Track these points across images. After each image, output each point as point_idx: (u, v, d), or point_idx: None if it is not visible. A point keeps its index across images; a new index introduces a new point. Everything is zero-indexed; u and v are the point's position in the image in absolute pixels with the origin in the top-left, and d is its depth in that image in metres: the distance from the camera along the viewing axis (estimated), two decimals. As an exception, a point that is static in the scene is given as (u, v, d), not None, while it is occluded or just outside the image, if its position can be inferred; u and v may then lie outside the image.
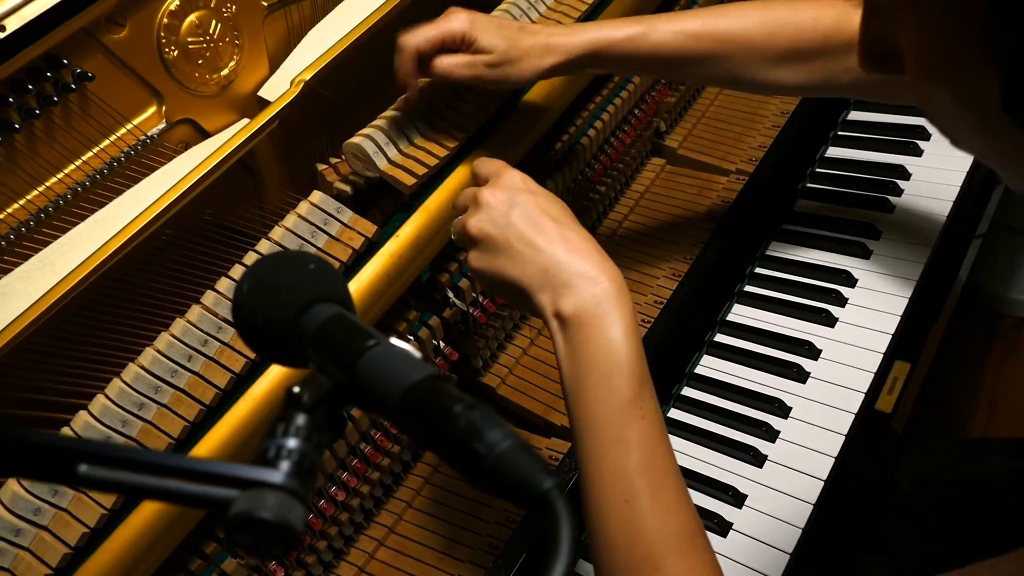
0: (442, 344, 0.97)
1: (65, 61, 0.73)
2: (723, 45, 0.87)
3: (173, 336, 0.77)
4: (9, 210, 0.74)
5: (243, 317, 0.44)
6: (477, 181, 0.78)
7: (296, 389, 0.39)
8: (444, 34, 0.83)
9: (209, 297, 0.79)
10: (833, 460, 0.90)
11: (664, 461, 0.65)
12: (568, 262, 0.67)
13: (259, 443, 0.38)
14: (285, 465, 0.35)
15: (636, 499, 0.63)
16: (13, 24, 0.67)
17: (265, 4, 0.89)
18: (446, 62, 0.84)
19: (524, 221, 0.69)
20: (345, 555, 0.92)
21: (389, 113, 0.92)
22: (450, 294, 0.97)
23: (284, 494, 0.34)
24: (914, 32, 0.45)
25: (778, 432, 0.94)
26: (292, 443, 0.36)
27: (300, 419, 0.37)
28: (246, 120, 0.86)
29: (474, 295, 0.98)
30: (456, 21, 0.84)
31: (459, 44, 0.84)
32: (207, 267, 0.83)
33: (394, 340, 0.40)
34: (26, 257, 0.73)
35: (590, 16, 1.06)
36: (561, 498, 0.33)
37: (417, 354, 0.40)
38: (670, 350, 1.02)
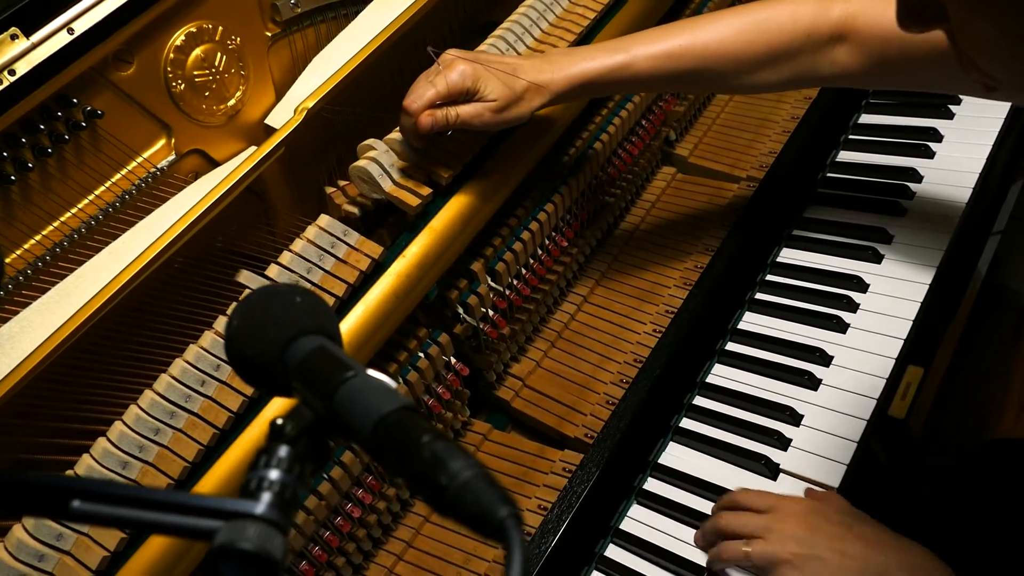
0: (453, 360, 0.98)
1: (75, 100, 0.76)
2: (704, 61, 0.89)
3: (187, 362, 0.79)
4: (26, 245, 0.77)
5: (233, 351, 0.46)
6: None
7: (279, 421, 0.40)
8: (452, 91, 0.85)
9: (221, 322, 0.81)
10: (846, 467, 0.89)
11: None
12: None
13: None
14: (266, 496, 0.37)
15: None
16: (22, 68, 0.69)
17: (269, 35, 0.91)
18: (463, 113, 0.86)
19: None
20: (365, 570, 0.94)
21: (394, 135, 0.93)
22: (460, 310, 0.98)
23: (264, 525, 0.36)
24: None
25: (790, 440, 0.94)
26: (274, 474, 0.38)
27: (282, 451, 0.39)
28: (254, 148, 0.88)
29: (483, 310, 1.00)
30: (461, 76, 0.85)
31: (464, 97, 0.86)
32: (220, 292, 0.85)
33: (371, 372, 0.42)
34: (43, 291, 0.76)
35: (592, 30, 1.07)
36: (516, 527, 0.34)
37: (393, 385, 0.41)
38: (681, 359, 1.02)
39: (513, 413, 1.06)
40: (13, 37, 0.69)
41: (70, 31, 0.72)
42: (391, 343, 0.92)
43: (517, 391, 1.06)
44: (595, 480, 0.93)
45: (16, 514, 0.35)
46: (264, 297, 0.46)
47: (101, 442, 0.75)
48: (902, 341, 0.98)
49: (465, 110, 0.86)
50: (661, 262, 1.15)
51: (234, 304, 0.83)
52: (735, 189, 1.21)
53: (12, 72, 0.69)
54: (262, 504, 0.36)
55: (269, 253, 0.88)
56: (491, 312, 1.01)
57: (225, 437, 0.79)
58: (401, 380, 0.93)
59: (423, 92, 0.85)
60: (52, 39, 0.71)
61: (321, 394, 0.41)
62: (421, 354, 0.94)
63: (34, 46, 0.70)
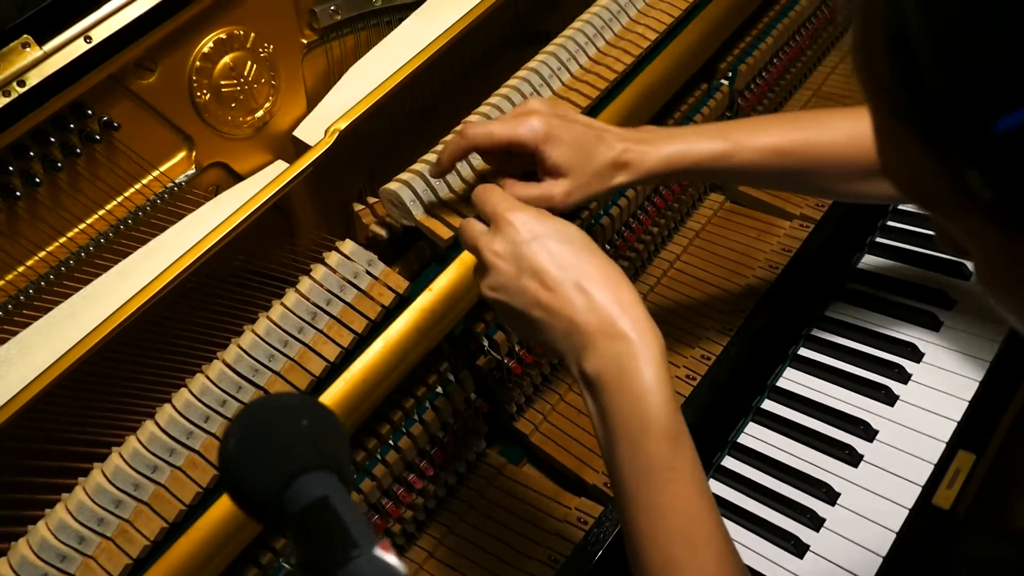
0: (473, 396, 0.93)
1: (90, 112, 0.70)
2: (812, 161, 0.82)
3: (192, 395, 0.74)
4: (29, 263, 0.72)
5: (228, 476, 0.41)
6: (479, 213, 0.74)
7: None
8: (512, 140, 0.76)
9: (232, 351, 0.77)
10: (881, 560, 0.84)
11: (703, 525, 0.63)
12: (586, 321, 0.64)
13: None
14: None
15: (676, 568, 0.61)
16: (33, 79, 0.64)
17: (305, 42, 0.85)
18: (523, 194, 0.76)
19: (535, 283, 0.66)
20: None
21: (429, 157, 0.87)
22: (485, 343, 0.93)
23: None
24: None
25: (823, 520, 0.88)
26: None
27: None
28: (280, 163, 0.82)
29: (509, 346, 0.94)
30: (529, 130, 0.76)
31: (527, 152, 0.77)
32: (236, 313, 0.81)
33: (379, 551, 0.36)
34: (45, 311, 0.71)
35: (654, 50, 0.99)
36: None
37: (404, 570, 0.36)
38: (713, 414, 0.96)
39: (531, 448, 1.01)
40: (24, 46, 0.63)
41: (87, 39, 0.66)
42: (411, 377, 0.87)
43: (537, 425, 1.02)
44: (612, 539, 0.88)
45: None
46: (267, 416, 0.41)
47: (95, 477, 0.71)
48: (955, 423, 0.91)
49: (529, 192, 0.76)
50: (701, 301, 1.08)
51: (246, 333, 0.79)
52: (787, 227, 1.13)
53: (22, 83, 0.63)
54: None
55: (290, 273, 0.83)
56: (518, 347, 0.95)
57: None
58: (417, 419, 0.89)
59: (488, 123, 0.77)
60: (67, 48, 0.65)
61: (318, 566, 0.36)
62: (440, 391, 0.89)
63: (47, 55, 0.64)
